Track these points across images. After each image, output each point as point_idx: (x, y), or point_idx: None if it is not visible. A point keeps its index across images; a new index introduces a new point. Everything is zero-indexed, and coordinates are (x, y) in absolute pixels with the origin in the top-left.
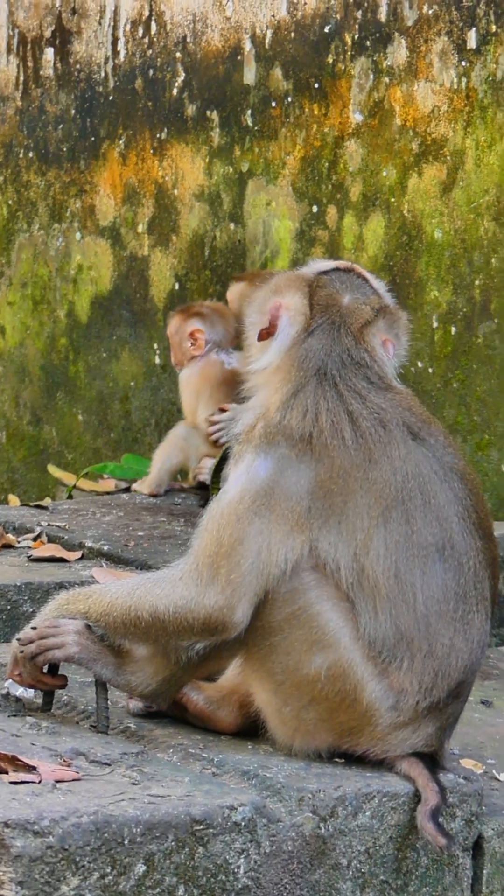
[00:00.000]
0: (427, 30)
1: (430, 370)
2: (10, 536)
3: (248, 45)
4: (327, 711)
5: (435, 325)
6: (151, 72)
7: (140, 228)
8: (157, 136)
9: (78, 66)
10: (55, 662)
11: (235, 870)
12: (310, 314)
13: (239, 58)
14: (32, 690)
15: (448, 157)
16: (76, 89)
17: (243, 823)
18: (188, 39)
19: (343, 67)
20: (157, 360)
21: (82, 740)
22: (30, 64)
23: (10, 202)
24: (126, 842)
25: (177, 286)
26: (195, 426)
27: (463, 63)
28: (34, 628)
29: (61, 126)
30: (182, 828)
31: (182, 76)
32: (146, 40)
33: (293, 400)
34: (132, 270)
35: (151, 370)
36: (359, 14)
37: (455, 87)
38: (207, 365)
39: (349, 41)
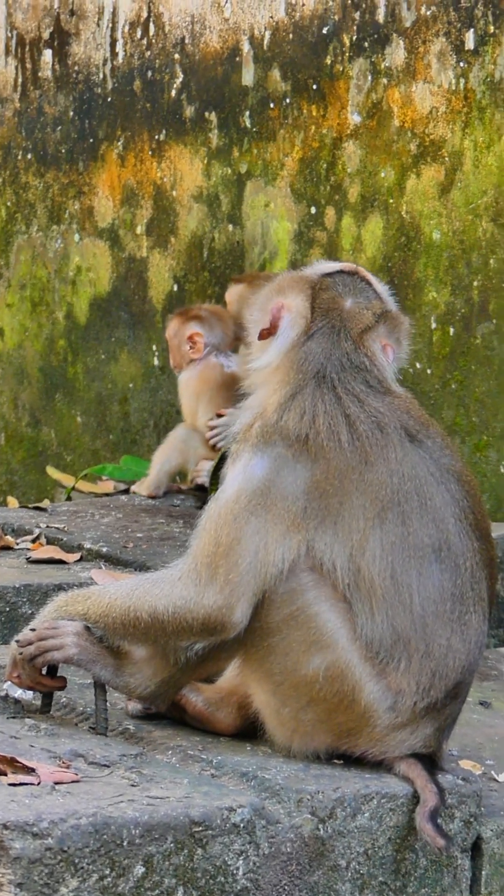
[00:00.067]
0: (425, 31)
1: (429, 371)
2: (9, 538)
3: (246, 47)
4: (326, 712)
5: (433, 326)
6: (150, 73)
7: (139, 230)
8: (156, 137)
9: (76, 68)
10: (54, 664)
11: (234, 871)
12: (311, 317)
13: (237, 59)
14: (31, 692)
15: (446, 158)
16: (74, 91)
17: (242, 825)
18: (186, 41)
19: (341, 68)
20: (156, 362)
21: (81, 742)
22: (28, 65)
23: (8, 204)
24: (125, 843)
25: (175, 288)
26: (195, 429)
27: (461, 64)
28: (33, 630)
29: (60, 127)
30: (181, 829)
31: (180, 77)
32: (144, 42)
33: (291, 401)
34: (131, 272)
35: (150, 372)
36: (357, 15)
37: (453, 88)
38: (207, 368)
39: (347, 42)
